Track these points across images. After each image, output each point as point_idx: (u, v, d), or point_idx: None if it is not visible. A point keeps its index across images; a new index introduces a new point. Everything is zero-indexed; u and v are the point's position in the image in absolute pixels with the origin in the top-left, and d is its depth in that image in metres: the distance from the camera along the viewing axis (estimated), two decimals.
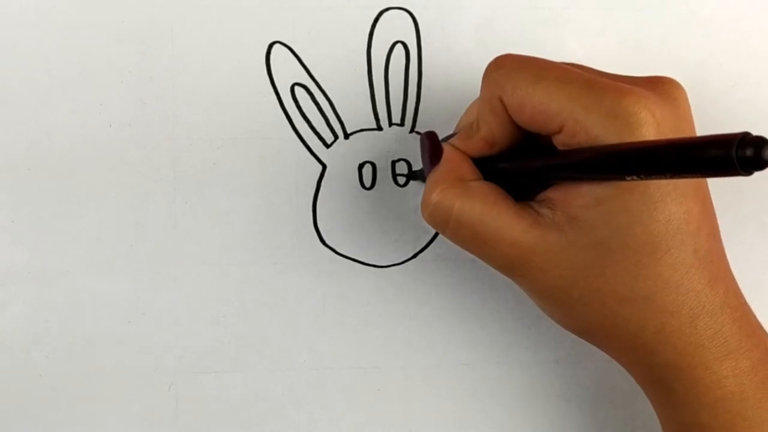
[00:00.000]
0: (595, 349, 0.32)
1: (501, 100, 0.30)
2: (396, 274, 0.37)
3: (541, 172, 0.30)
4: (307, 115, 0.37)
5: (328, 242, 0.37)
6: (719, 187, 0.32)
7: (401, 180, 0.37)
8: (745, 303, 0.30)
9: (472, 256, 0.32)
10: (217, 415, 0.37)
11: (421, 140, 0.34)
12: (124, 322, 0.36)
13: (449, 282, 0.38)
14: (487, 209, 0.30)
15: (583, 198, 0.29)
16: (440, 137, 0.34)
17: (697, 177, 0.23)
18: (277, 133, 0.37)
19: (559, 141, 0.29)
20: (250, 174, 0.37)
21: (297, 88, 0.37)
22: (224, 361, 0.37)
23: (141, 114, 0.36)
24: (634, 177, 0.25)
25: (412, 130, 0.37)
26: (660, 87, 0.30)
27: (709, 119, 0.38)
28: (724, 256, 0.30)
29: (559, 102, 0.28)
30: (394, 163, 0.37)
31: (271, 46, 0.37)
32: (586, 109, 0.28)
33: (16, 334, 0.36)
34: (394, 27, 0.37)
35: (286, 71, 0.37)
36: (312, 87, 0.37)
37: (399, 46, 0.37)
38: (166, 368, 0.36)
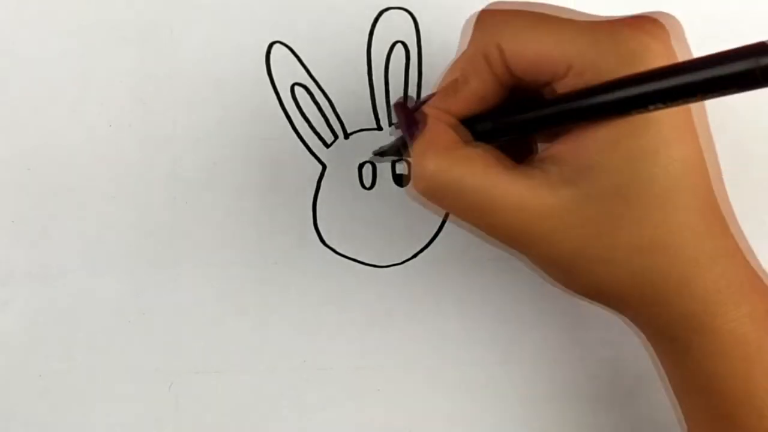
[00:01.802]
0: (595, 349, 0.32)
1: (498, 47, 0.27)
2: (396, 274, 0.37)
3: (552, 120, 0.28)
4: (307, 115, 0.37)
5: (328, 242, 0.37)
6: None
7: (375, 161, 0.36)
8: (748, 247, 0.29)
9: (472, 256, 0.32)
10: (217, 415, 0.37)
11: (396, 111, 0.31)
12: (124, 322, 0.36)
13: (449, 282, 0.37)
14: (489, 173, 0.28)
15: (597, 142, 0.27)
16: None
17: (724, 94, 0.22)
18: (277, 133, 0.37)
19: (565, 84, 0.27)
20: (250, 174, 0.37)
21: (297, 88, 0.37)
22: (224, 361, 0.37)
23: (141, 114, 0.36)
24: (659, 104, 0.23)
25: None
26: (662, 20, 0.28)
27: (709, 120, 0.38)
28: (728, 198, 0.29)
29: (563, 42, 0.26)
30: (394, 163, 0.37)
31: (271, 46, 0.37)
32: (594, 44, 0.26)
33: (16, 334, 0.36)
34: (394, 27, 0.37)
35: (286, 71, 0.37)
36: (312, 87, 0.37)
37: (399, 46, 0.37)
38: (166, 368, 0.36)
